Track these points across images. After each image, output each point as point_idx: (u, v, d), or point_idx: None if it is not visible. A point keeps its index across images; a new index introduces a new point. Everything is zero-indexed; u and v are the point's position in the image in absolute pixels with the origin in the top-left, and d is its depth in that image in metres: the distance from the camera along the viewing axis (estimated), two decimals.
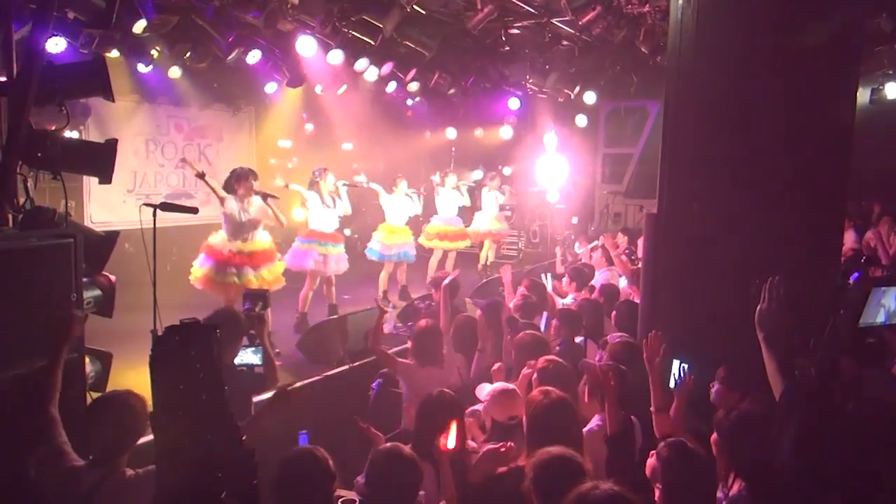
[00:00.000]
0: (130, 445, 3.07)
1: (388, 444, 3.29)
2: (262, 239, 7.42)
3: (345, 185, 8.84)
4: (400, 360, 5.12)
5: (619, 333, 4.99)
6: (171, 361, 1.77)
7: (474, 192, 15.08)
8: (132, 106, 10.44)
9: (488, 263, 12.49)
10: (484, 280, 9.98)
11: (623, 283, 7.37)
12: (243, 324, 4.47)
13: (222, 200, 7.12)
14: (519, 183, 14.52)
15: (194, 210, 5.04)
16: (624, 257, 7.84)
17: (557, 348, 5.08)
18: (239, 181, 7.25)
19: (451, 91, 11.66)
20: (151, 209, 4.70)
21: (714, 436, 3.14)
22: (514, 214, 14.23)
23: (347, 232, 11.25)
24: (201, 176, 7.03)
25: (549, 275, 7.18)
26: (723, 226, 4.56)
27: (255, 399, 4.55)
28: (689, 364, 3.83)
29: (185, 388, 1.69)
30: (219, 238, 7.30)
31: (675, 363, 3.93)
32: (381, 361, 5.35)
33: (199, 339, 1.76)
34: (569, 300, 6.83)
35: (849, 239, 8.64)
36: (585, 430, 3.74)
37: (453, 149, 15.12)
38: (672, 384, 3.88)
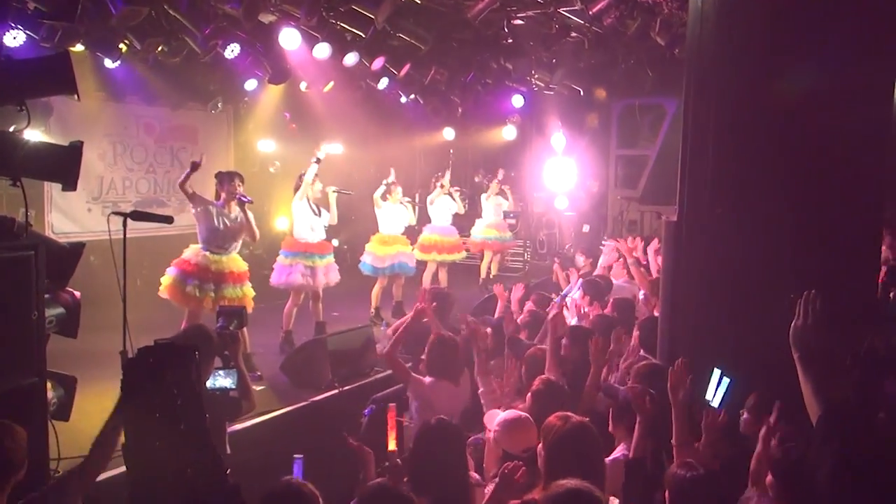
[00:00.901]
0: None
1: (378, 481, 3.26)
2: (239, 261, 7.42)
3: (335, 191, 8.87)
4: (414, 374, 5.14)
5: (644, 355, 4.99)
6: (145, 386, 1.75)
7: (474, 197, 15.21)
8: (98, 105, 10.44)
9: (491, 277, 12.53)
10: (486, 295, 9.96)
11: (642, 295, 7.38)
12: (216, 343, 4.45)
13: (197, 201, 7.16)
14: (524, 188, 14.57)
15: (168, 219, 5.03)
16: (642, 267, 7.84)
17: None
18: (222, 183, 7.28)
19: (449, 88, 11.70)
20: (121, 218, 4.68)
21: None
22: (519, 222, 14.27)
23: (335, 243, 11.26)
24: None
25: (573, 289, 7.22)
26: (749, 234, 4.55)
27: (230, 427, 4.53)
28: (731, 378, 3.75)
29: (162, 416, 1.67)
30: (191, 251, 7.32)
31: (716, 373, 3.88)
32: (394, 372, 5.37)
33: (176, 361, 1.74)
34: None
35: (888, 248, 8.65)
36: (609, 459, 3.72)
37: (451, 151, 15.15)
38: (710, 395, 3.85)
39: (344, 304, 10.19)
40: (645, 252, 8.34)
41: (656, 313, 5.97)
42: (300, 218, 8.54)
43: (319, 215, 8.58)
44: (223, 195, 7.28)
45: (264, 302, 8.39)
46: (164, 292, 7.20)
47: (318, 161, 8.50)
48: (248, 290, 7.44)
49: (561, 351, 5.01)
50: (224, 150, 12.34)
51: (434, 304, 6.06)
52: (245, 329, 6.29)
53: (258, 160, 12.61)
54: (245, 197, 7.24)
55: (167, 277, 7.23)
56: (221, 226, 7.23)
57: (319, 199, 8.64)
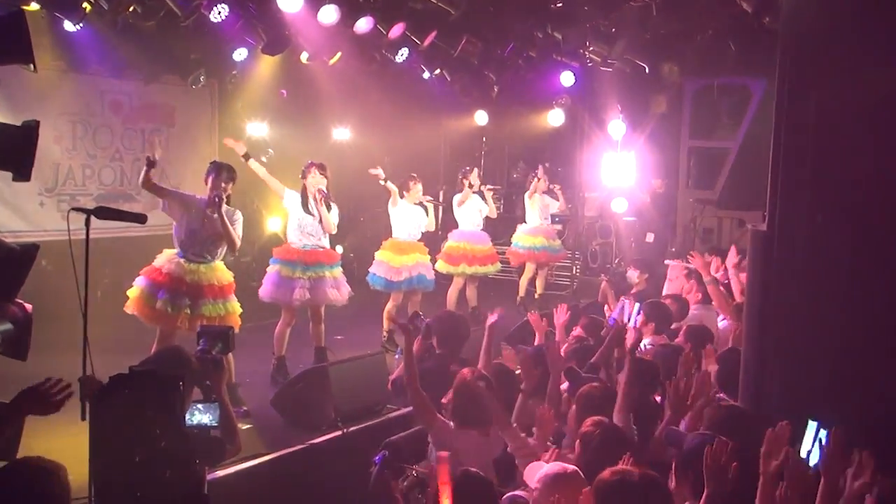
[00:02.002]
0: None
1: None
2: (222, 270, 7.47)
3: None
4: (440, 416, 5.15)
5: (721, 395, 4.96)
6: (120, 424, 1.74)
7: (511, 196, 15.19)
8: (55, 77, 10.55)
9: (536, 297, 12.51)
10: (525, 319, 9.94)
11: (722, 323, 7.33)
12: (195, 370, 4.46)
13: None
14: (574, 187, 14.54)
15: (141, 218, 5.05)
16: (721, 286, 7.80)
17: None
18: (207, 177, 7.33)
19: (483, 62, 11.72)
20: (83, 215, 4.72)
21: None
22: (567, 229, 14.25)
23: (340, 249, 11.31)
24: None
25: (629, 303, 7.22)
26: (859, 248, 4.51)
27: (210, 474, 4.54)
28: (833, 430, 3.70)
29: (143, 460, 1.67)
30: (164, 257, 7.36)
31: (812, 426, 3.85)
32: (415, 410, 5.38)
33: (156, 394, 1.74)
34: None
35: None
36: None
37: (484, 139, 15.16)
38: (805, 451, 3.81)
39: (350, 325, 10.19)
40: (725, 268, 8.28)
41: (739, 345, 5.95)
42: (296, 218, 8.58)
43: (317, 217, 8.55)
44: (210, 189, 7.32)
45: (252, 320, 8.43)
46: (130, 307, 7.24)
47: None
48: (234, 306, 7.46)
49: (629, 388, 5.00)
50: (206, 134, 12.43)
51: (436, 337, 6.15)
52: (231, 354, 6.33)
53: (248, 147, 12.68)
54: (220, 196, 7.25)
55: (135, 289, 7.27)
56: (202, 226, 7.27)
57: (324, 196, 8.63)
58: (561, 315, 7.28)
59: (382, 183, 9.96)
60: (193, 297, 7.21)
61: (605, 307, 9.07)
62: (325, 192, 8.47)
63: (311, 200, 8.51)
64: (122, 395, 1.87)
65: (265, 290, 8.52)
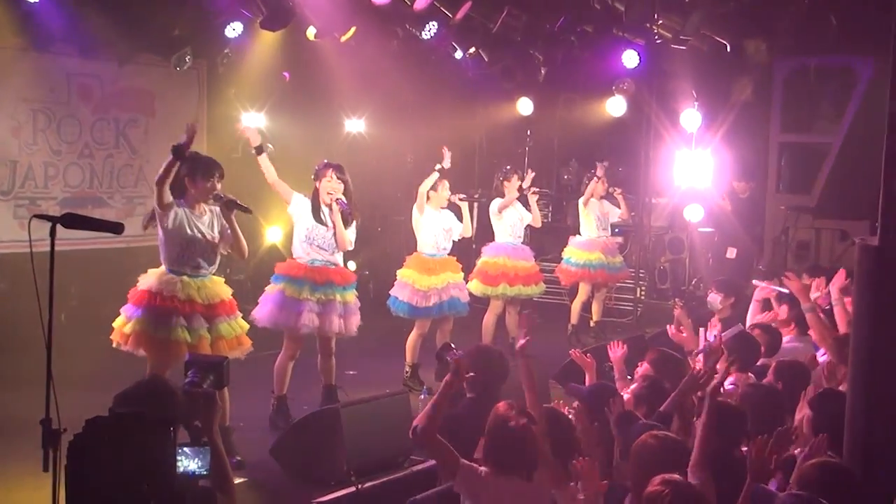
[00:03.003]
0: None
1: None
2: (223, 284, 7.58)
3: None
4: (465, 461, 5.12)
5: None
6: (99, 477, 1.75)
7: (561, 202, 15.15)
8: (12, 57, 10.68)
9: (592, 324, 12.45)
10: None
11: (821, 358, 7.26)
12: (181, 406, 4.47)
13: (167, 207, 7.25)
14: (638, 191, 14.47)
15: (117, 227, 5.07)
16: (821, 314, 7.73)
17: None
18: (194, 175, 7.33)
19: (528, 39, 11.73)
20: (47, 224, 4.74)
21: None
22: (630, 242, 14.17)
23: (352, 266, 11.36)
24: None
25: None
26: None
27: None
28: None
29: None
30: (152, 278, 7.38)
31: None
32: (433, 457, 5.34)
33: (143, 441, 1.75)
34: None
35: None
36: None
37: (529, 133, 15.15)
38: None
39: (366, 358, 10.20)
40: (827, 292, 8.19)
41: (842, 387, 5.86)
42: (303, 227, 8.58)
43: (330, 228, 8.57)
44: (193, 191, 7.35)
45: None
46: (125, 342, 7.24)
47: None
48: (243, 323, 7.60)
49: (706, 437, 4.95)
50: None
51: (471, 374, 6.03)
52: (225, 391, 6.36)
53: (242, 142, 12.76)
54: (240, 204, 7.35)
55: (128, 321, 7.26)
56: (198, 235, 7.33)
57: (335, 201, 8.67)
58: (616, 350, 7.24)
59: (459, 201, 10.07)
60: (209, 316, 7.33)
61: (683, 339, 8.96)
62: (346, 203, 8.46)
63: (324, 208, 8.52)
64: (102, 443, 1.88)
65: (265, 313, 8.46)
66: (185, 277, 7.30)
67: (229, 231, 7.42)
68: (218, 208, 7.39)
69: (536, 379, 6.00)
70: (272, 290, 8.57)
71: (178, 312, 7.18)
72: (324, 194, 8.54)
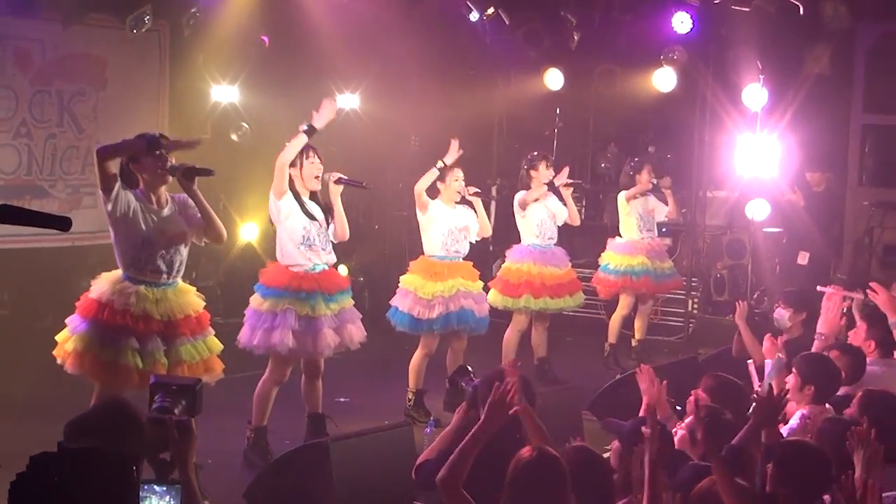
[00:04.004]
0: None
1: None
2: (192, 293, 7.55)
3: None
4: None
5: None
6: None
7: (599, 196, 15.09)
8: None
9: (634, 343, 12.49)
10: (617, 376, 9.90)
11: None
12: (147, 437, 4.47)
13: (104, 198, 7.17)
14: (689, 183, 14.44)
15: (63, 223, 5.06)
16: None
17: None
18: (139, 157, 7.25)
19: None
20: None
21: None
22: (680, 245, 14.16)
23: (343, 271, 11.36)
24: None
25: None
26: None
27: None
28: None
29: None
30: (105, 284, 7.34)
31: None
32: None
33: (99, 480, 1.74)
34: (794, 420, 6.73)
35: None
36: None
37: (558, 111, 15.13)
38: None
39: (360, 382, 10.22)
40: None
41: None
42: (292, 227, 8.55)
43: (325, 223, 8.58)
44: (144, 176, 7.28)
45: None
46: (68, 362, 7.19)
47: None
48: (214, 344, 7.53)
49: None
50: (151, 101, 12.55)
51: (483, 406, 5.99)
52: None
53: (212, 120, 12.80)
54: (201, 168, 7.29)
55: (76, 338, 7.20)
56: (155, 231, 7.26)
57: (329, 193, 8.65)
58: (647, 380, 6.98)
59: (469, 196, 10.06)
60: (168, 336, 7.26)
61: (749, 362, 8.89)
62: (347, 177, 8.54)
63: (307, 201, 8.52)
64: (50, 485, 1.87)
65: (247, 334, 8.48)
66: (142, 288, 7.20)
67: (197, 212, 7.32)
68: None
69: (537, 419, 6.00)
70: (257, 306, 8.55)
71: (128, 331, 7.10)
72: (310, 180, 8.53)
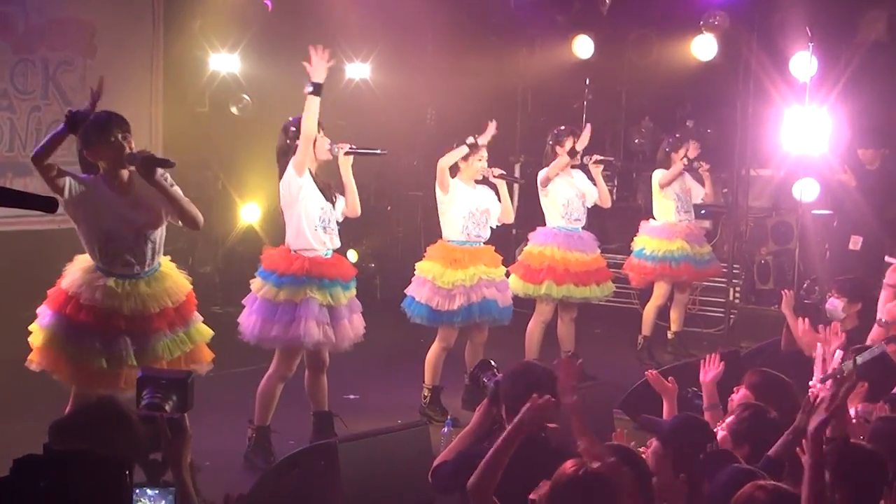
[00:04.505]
0: None
1: None
2: (173, 277, 7.45)
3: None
4: None
5: None
6: None
7: (633, 174, 15.04)
8: None
9: (670, 336, 12.55)
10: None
11: None
12: (139, 439, 4.48)
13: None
14: (731, 161, 14.41)
15: (48, 204, 5.09)
16: None
17: None
18: (90, 141, 7.09)
19: None
20: None
21: None
22: (721, 229, 14.14)
23: (353, 257, 11.38)
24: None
25: None
26: None
27: None
28: None
29: None
30: (77, 272, 7.29)
31: None
32: None
33: (90, 485, 1.74)
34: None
35: None
36: None
37: (588, 82, 15.10)
38: None
39: (371, 378, 10.24)
40: None
41: None
42: (305, 206, 8.51)
43: (332, 201, 8.59)
44: (102, 164, 7.16)
45: (216, 366, 8.47)
46: (34, 360, 7.18)
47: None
48: (201, 332, 7.46)
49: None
50: (144, 70, 12.57)
51: (504, 405, 5.99)
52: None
53: (210, 92, 12.82)
54: (161, 160, 7.15)
55: (40, 332, 7.20)
56: (120, 223, 7.10)
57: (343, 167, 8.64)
58: (710, 370, 7.18)
59: (494, 178, 10.02)
60: (138, 334, 7.15)
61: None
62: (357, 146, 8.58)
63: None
64: (36, 491, 1.88)
65: (251, 324, 8.47)
66: (111, 281, 7.12)
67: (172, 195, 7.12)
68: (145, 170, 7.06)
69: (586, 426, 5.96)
70: (262, 292, 8.51)
71: (91, 330, 7.03)
72: (323, 153, 8.52)
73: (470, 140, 9.77)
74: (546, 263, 11.02)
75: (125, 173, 7.15)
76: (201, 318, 7.53)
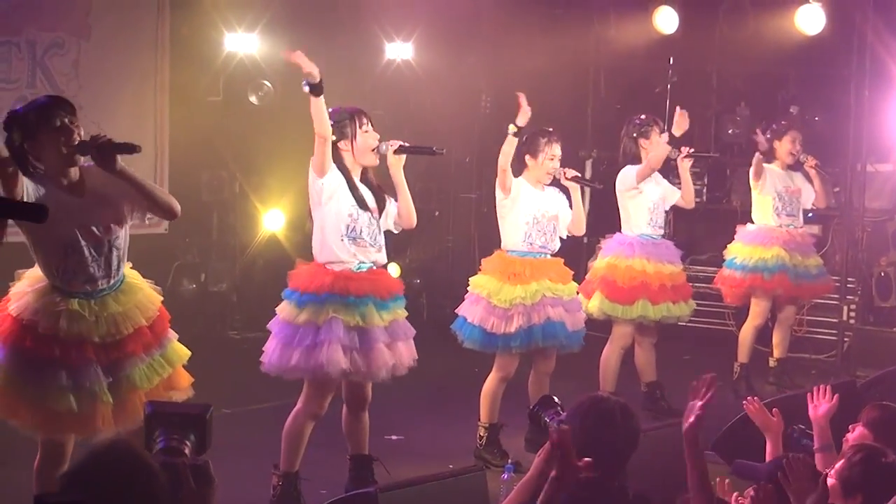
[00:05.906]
0: None
1: None
2: (140, 290, 7.38)
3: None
4: None
5: None
6: None
7: (728, 172, 15.03)
8: None
9: (772, 364, 12.52)
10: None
11: None
12: (163, 491, 4.51)
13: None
14: (844, 154, 14.37)
15: (37, 212, 5.16)
16: None
17: None
18: (32, 131, 6.99)
19: None
20: None
21: None
22: (832, 235, 14.11)
23: (395, 270, 11.41)
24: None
25: None
26: None
27: None
28: None
29: None
30: (29, 293, 7.15)
31: None
32: None
33: None
34: None
35: None
36: None
37: (671, 61, 15.11)
38: None
39: (415, 415, 10.27)
40: None
41: None
42: (334, 212, 8.51)
43: (377, 210, 8.60)
44: (48, 158, 7.03)
45: (232, 403, 8.51)
46: None
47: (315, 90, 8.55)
48: (177, 352, 7.38)
49: None
50: (147, 53, 12.65)
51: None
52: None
53: (225, 78, 12.91)
54: (121, 144, 7.01)
55: None
56: (78, 230, 6.94)
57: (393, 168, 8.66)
58: (821, 404, 7.15)
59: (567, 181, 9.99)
60: (113, 361, 7.09)
61: None
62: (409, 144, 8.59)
63: (361, 185, 8.50)
64: None
65: (275, 353, 8.50)
66: (74, 303, 7.00)
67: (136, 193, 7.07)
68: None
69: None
70: (285, 314, 8.51)
71: (56, 364, 6.88)
72: (364, 154, 8.51)
73: (511, 129, 9.58)
74: (639, 279, 11.04)
75: (74, 171, 7.03)
76: (176, 336, 7.42)
